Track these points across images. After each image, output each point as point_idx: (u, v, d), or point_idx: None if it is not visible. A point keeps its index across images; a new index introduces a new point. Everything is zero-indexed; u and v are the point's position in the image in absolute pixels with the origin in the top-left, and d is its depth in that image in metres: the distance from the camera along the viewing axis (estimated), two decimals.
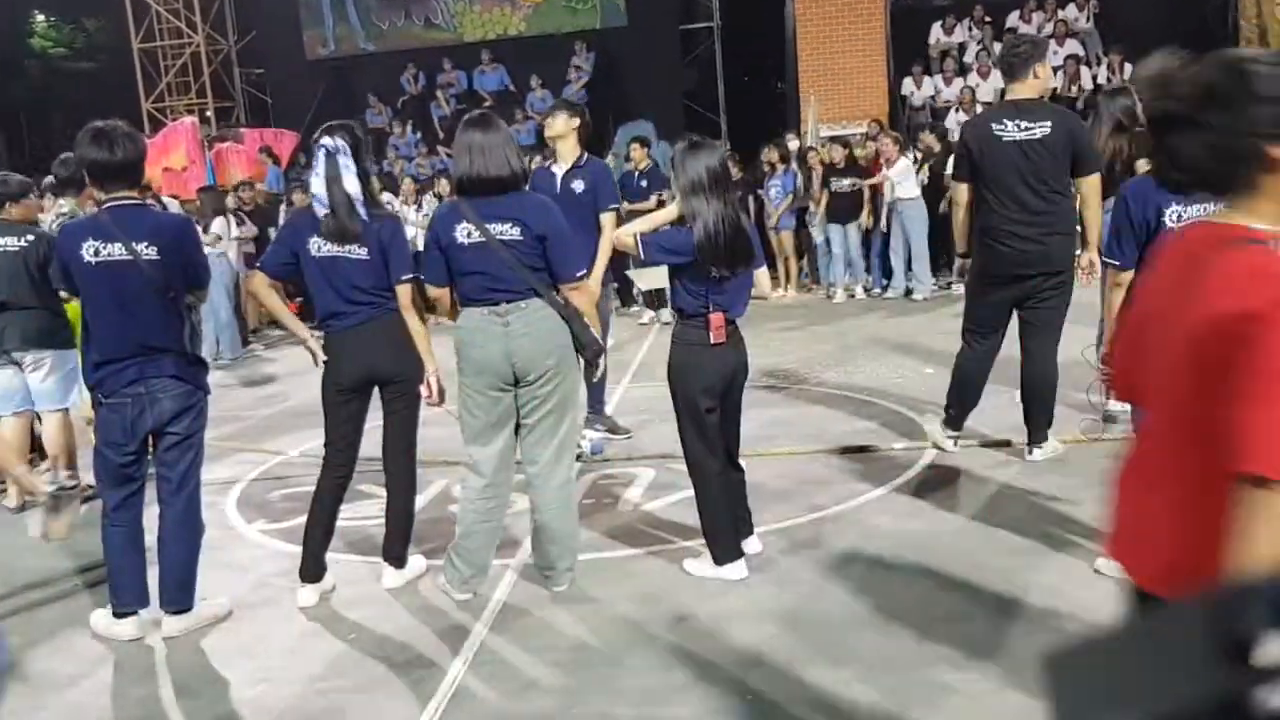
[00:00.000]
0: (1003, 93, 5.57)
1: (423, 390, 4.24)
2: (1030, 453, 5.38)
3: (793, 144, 12.95)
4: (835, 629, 3.76)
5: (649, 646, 3.75)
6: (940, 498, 5.04)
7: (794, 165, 12.46)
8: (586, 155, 6.19)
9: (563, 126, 6.08)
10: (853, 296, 11.77)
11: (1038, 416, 5.36)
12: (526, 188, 4.24)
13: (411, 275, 4.19)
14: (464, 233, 4.02)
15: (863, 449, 5.88)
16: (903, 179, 11.35)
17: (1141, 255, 3.73)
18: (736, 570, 4.24)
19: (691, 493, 4.36)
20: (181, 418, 3.98)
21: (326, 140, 4.11)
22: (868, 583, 4.13)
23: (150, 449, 4.12)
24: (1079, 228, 5.34)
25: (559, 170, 6.09)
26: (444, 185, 13.47)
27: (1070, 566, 4.11)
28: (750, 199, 12.54)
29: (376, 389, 4.31)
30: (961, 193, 5.45)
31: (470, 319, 4.09)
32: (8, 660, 3.37)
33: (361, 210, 4.09)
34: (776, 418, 6.73)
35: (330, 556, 4.43)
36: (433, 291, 4.17)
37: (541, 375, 4.05)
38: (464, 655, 3.77)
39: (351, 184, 4.08)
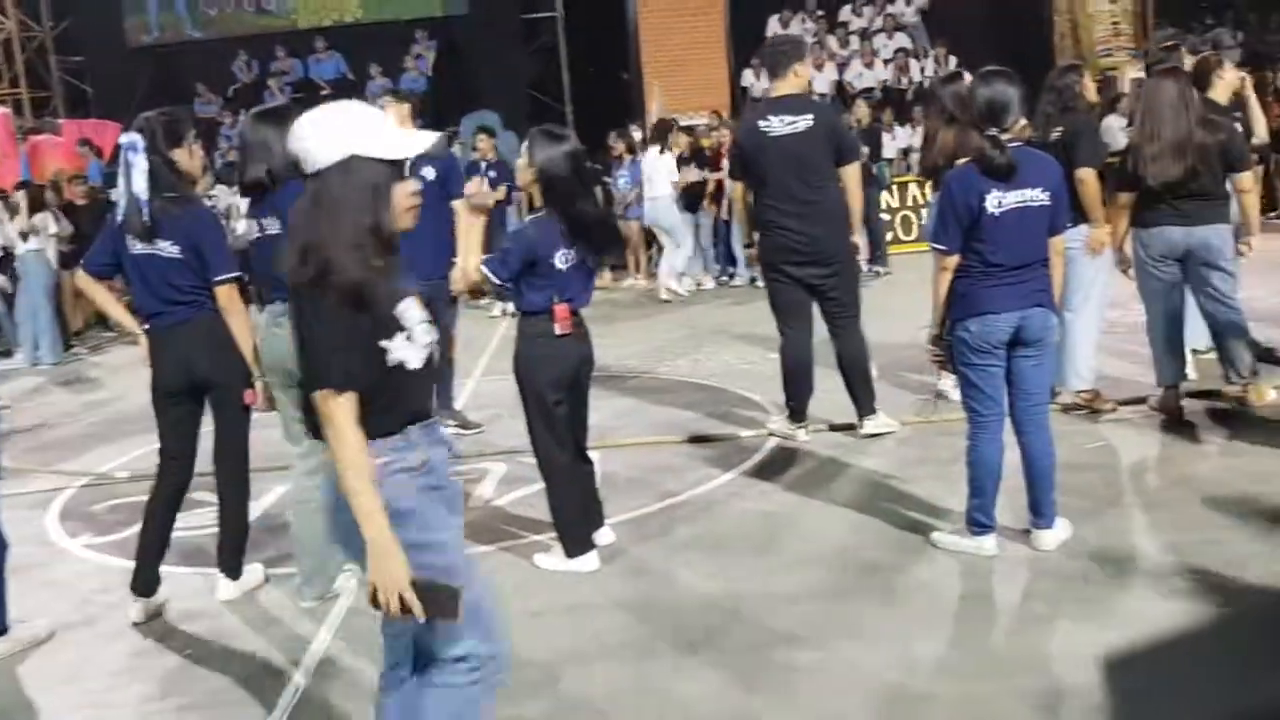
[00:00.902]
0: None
1: (247, 396, 4.06)
2: (862, 426, 5.55)
3: (637, 134, 13.01)
4: (686, 615, 3.78)
5: (535, 640, 3.66)
6: (785, 481, 5.12)
7: (640, 155, 12.51)
8: None
9: (398, 115, 5.99)
10: (700, 286, 11.89)
11: (859, 392, 5.58)
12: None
13: (230, 274, 4.01)
14: (254, 229, 4.01)
15: (711, 436, 5.94)
16: None
17: (965, 241, 3.87)
18: (588, 562, 4.21)
19: (543, 486, 4.32)
20: None
21: (123, 137, 3.93)
22: (717, 567, 4.17)
23: None
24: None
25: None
26: None
27: (907, 541, 4.24)
28: (598, 188, 12.53)
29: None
30: (738, 190, 5.76)
31: (262, 317, 4.03)
32: None
33: (145, 207, 3.88)
34: (627, 408, 6.75)
35: (161, 569, 4.21)
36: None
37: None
38: (306, 665, 3.64)
39: (138, 181, 3.88)
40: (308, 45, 17.07)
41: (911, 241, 12.41)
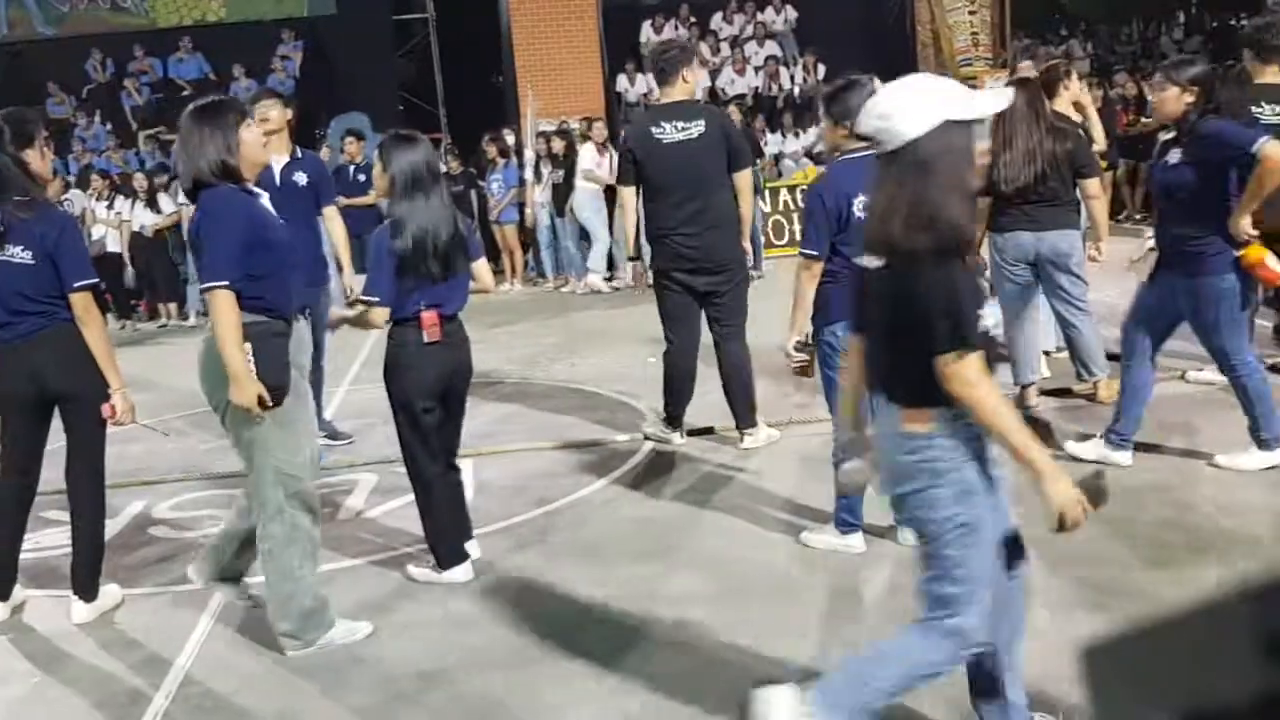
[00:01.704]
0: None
1: (105, 409, 3.89)
2: (742, 440, 5.56)
3: (511, 138, 12.95)
4: (562, 624, 3.76)
5: (372, 660, 3.62)
6: (660, 485, 5.15)
7: (514, 159, 12.47)
8: (298, 148, 5.98)
9: (279, 118, 5.85)
10: (595, 291, 11.89)
11: (739, 405, 5.55)
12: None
13: (88, 282, 3.84)
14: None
15: (588, 442, 5.94)
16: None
17: (833, 245, 3.95)
18: (462, 573, 4.16)
19: (414, 496, 4.26)
20: None
21: None
22: (593, 575, 4.16)
23: None
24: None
25: (276, 163, 5.83)
26: (141, 180, 12.52)
27: (779, 542, 4.30)
28: (473, 192, 12.45)
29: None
30: (627, 196, 5.67)
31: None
32: None
33: None
34: (503, 414, 6.70)
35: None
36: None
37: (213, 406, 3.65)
38: (166, 689, 3.50)
39: None
40: (167, 45, 16.50)
41: (784, 245, 12.65)
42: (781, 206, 13.10)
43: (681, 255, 5.40)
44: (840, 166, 4.00)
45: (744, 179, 5.50)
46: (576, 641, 3.62)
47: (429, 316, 3.94)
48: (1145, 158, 12.78)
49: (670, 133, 5.36)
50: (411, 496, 4.31)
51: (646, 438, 5.80)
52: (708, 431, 5.80)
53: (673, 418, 5.71)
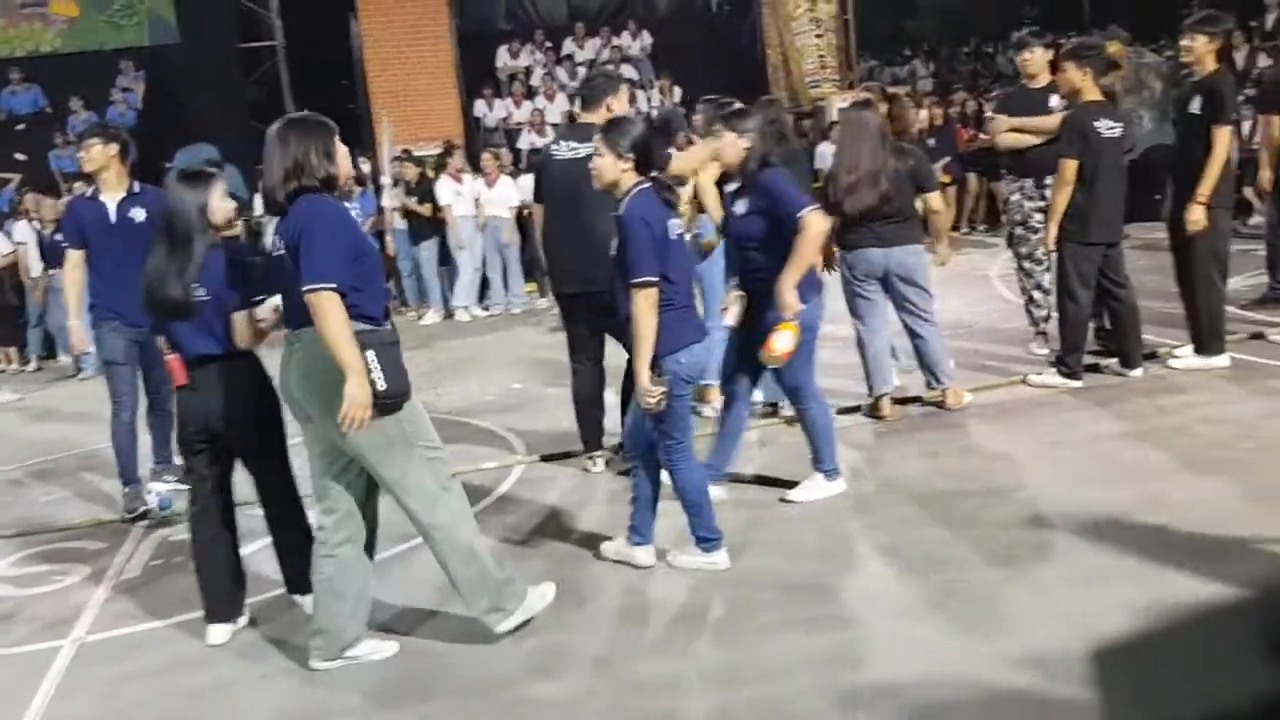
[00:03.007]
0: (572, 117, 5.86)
1: None
2: (626, 458, 5.57)
3: (366, 166, 12.76)
4: (423, 660, 3.71)
5: (227, 711, 3.51)
6: (528, 512, 5.13)
7: (370, 187, 12.30)
8: (138, 183, 5.75)
9: (100, 156, 5.62)
10: (450, 316, 11.77)
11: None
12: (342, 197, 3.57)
13: None
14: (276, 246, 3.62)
15: (453, 473, 5.85)
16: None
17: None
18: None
19: (269, 540, 4.17)
20: None
21: None
22: (456, 608, 4.10)
23: None
24: None
25: (110, 200, 5.62)
26: None
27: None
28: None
29: None
30: (537, 211, 5.64)
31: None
32: None
33: None
34: None
35: None
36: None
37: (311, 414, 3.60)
38: None
39: None
40: None
41: None
42: None
43: (565, 276, 5.41)
44: (639, 197, 4.03)
45: None
46: (435, 678, 3.58)
47: (173, 360, 3.95)
48: (985, 173, 13.42)
49: (563, 150, 5.34)
50: (268, 540, 4.22)
51: (586, 469, 5.67)
52: (564, 456, 5.81)
53: (589, 444, 5.62)
